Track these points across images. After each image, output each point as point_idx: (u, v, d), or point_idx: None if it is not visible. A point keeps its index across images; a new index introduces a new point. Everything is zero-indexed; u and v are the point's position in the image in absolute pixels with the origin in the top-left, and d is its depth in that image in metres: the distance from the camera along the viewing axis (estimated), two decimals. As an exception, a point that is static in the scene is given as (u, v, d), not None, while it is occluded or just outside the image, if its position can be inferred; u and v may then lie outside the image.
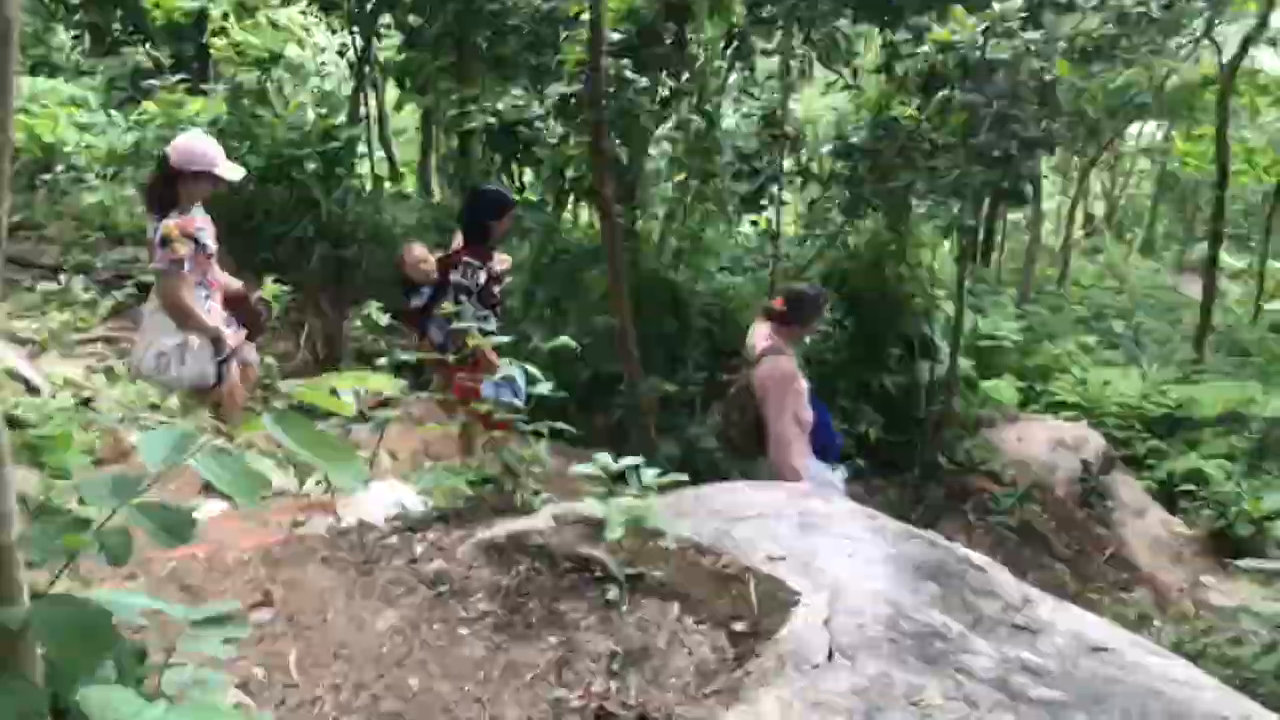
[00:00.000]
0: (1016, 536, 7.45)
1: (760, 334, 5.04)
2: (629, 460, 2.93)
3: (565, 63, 7.26)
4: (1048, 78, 6.51)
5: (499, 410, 5.21)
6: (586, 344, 6.06)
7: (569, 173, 7.48)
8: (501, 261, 5.60)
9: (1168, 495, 9.26)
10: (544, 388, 3.51)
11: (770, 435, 4.84)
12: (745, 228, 9.40)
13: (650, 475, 2.96)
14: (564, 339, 4.02)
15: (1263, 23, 11.36)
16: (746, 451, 5.13)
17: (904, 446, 8.26)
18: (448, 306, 5.00)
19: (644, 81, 6.68)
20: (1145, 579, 7.21)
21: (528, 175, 9.01)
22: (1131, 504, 8.39)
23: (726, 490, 3.62)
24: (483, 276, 5.35)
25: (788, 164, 8.28)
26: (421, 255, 5.82)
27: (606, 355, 7.04)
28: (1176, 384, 10.43)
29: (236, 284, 4.96)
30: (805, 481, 4.65)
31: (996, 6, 6.29)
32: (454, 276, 5.32)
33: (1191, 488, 8.85)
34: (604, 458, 2.92)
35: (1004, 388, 10.00)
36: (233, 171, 4.65)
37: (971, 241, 8.00)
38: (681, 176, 8.58)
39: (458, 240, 5.55)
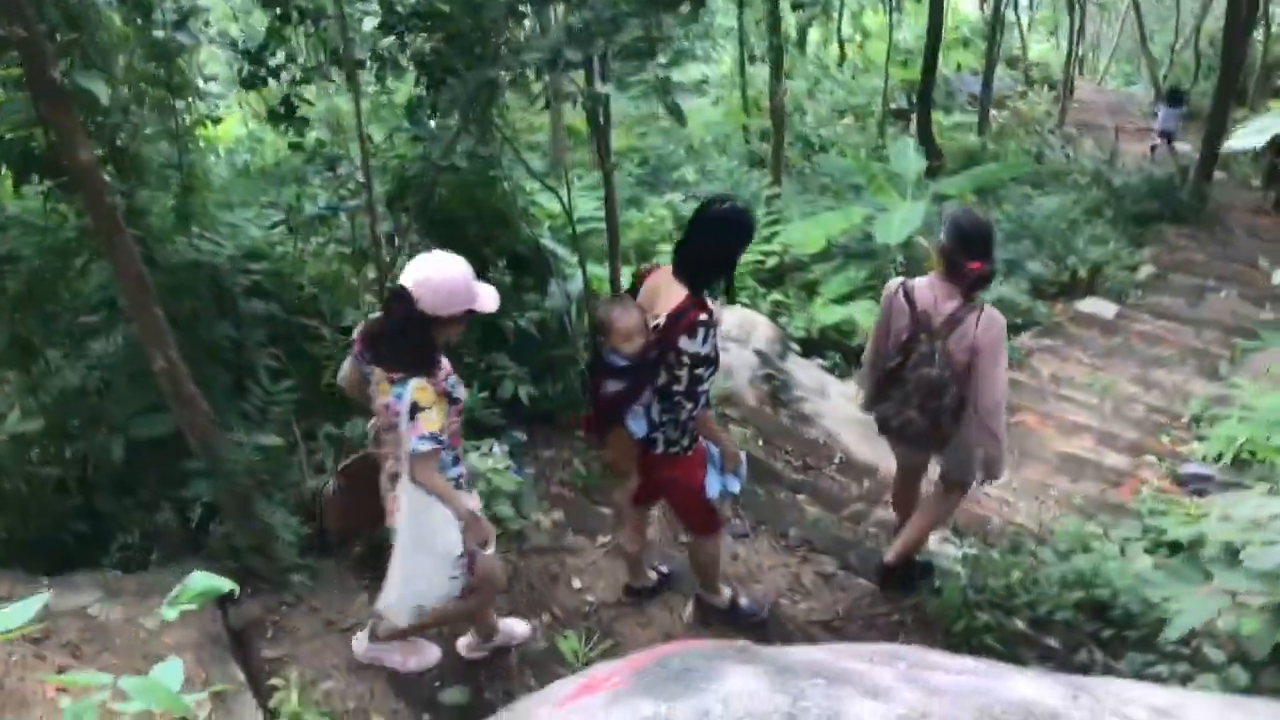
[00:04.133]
0: (737, 475, 5.99)
1: (942, 291, 4.06)
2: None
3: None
4: None
5: (724, 508, 4.08)
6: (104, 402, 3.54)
7: (4, 133, 4.30)
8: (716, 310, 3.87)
9: (809, 354, 8.39)
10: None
11: (985, 399, 3.99)
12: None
13: None
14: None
15: None
16: (944, 437, 4.20)
17: (564, 399, 6.39)
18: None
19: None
20: (887, 486, 6.11)
21: None
22: (809, 383, 7.27)
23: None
24: (716, 336, 3.67)
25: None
26: (639, 324, 3.64)
27: (143, 411, 4.37)
28: (775, 225, 9.49)
29: None
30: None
31: None
32: (688, 344, 3.54)
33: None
34: None
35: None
36: (492, 300, 3.34)
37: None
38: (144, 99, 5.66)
39: (664, 286, 3.69)
